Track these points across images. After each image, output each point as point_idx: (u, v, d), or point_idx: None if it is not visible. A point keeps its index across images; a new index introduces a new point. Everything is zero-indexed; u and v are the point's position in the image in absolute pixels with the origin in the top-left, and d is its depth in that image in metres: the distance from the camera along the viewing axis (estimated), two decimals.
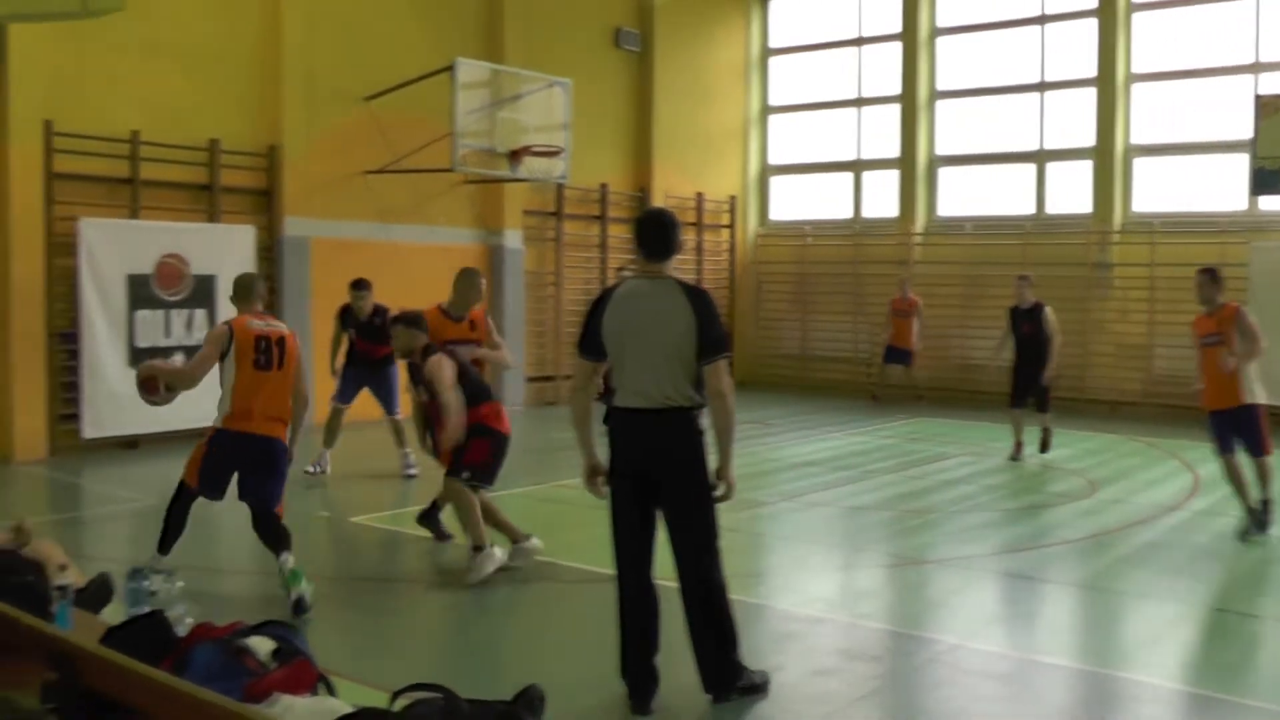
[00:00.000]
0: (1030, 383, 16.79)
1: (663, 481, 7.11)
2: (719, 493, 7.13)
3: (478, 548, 10.25)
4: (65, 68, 16.51)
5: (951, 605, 9.95)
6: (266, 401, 9.85)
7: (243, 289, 10.20)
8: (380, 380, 15.47)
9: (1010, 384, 17.15)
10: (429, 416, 10.84)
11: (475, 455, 10.50)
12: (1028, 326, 16.75)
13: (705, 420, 7.07)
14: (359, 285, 15.40)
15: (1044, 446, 17.01)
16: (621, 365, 7.14)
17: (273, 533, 9.67)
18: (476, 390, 10.64)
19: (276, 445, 9.86)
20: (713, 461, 7.13)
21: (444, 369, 10.38)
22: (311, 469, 14.86)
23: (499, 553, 10.34)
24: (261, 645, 5.54)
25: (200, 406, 16.37)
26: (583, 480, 7.45)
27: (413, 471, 15.07)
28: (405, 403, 13.26)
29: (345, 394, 15.46)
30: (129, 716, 4.95)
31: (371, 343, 15.22)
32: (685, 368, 6.98)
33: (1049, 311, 16.78)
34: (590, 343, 7.30)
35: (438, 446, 10.80)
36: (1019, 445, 17.00)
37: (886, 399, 24.74)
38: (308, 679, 5.43)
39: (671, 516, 7.15)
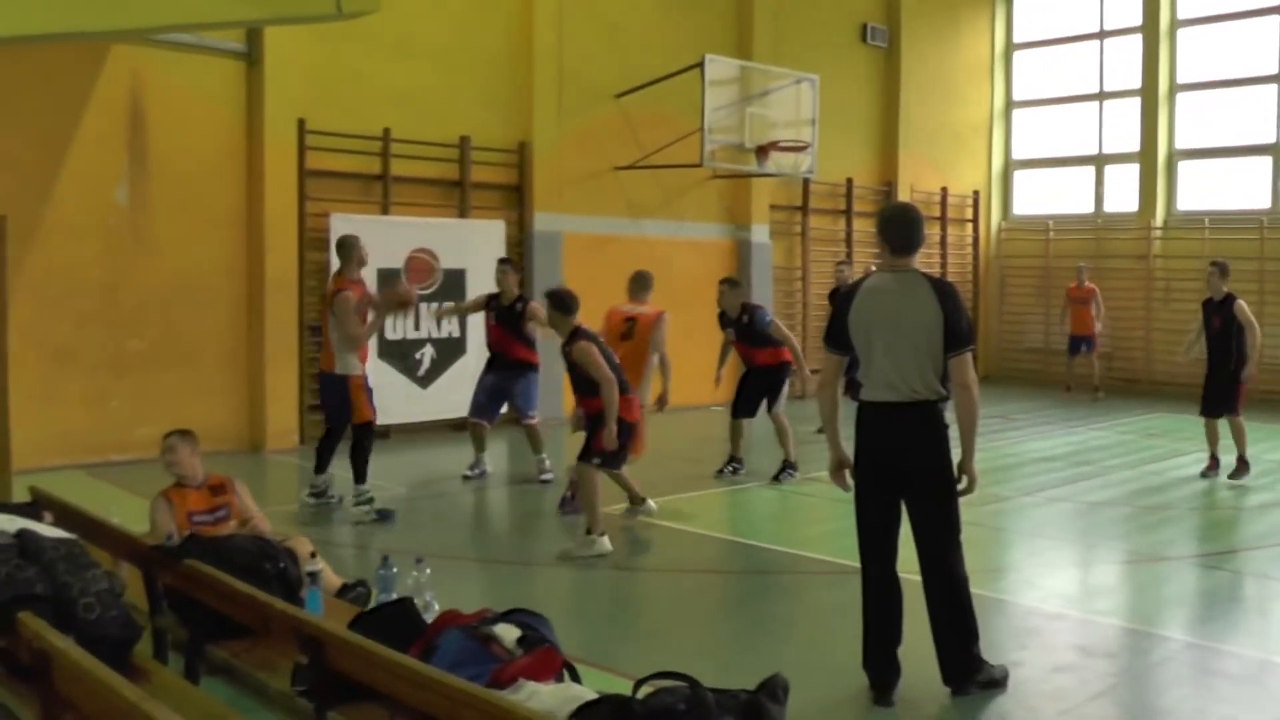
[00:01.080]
0: (1221, 388, 14.72)
1: (907, 474, 7.15)
2: (961, 486, 7.17)
3: (590, 530, 10.84)
4: (319, 67, 16.96)
5: (1188, 603, 9.88)
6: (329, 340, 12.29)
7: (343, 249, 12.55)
8: (517, 387, 14.19)
9: (1203, 390, 15.06)
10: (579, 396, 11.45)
11: (605, 442, 10.95)
12: (1218, 321, 14.68)
13: (950, 414, 7.09)
14: (504, 262, 14.60)
15: (1236, 469, 14.70)
16: (868, 359, 7.19)
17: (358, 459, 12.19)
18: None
19: (325, 378, 12.45)
20: (956, 455, 7.16)
21: (592, 351, 10.90)
22: (470, 472, 14.50)
23: (608, 544, 10.81)
24: (507, 633, 5.66)
25: (446, 400, 16.94)
26: (829, 473, 7.54)
27: (547, 477, 14.15)
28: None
29: (481, 408, 14.30)
30: (376, 700, 5.07)
31: (506, 332, 14.07)
32: (932, 360, 7.01)
33: (1240, 304, 14.63)
34: (837, 336, 7.39)
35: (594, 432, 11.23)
36: (1214, 460, 14.96)
37: (1110, 391, 24.51)
38: (553, 666, 5.54)
39: (915, 509, 7.20)
